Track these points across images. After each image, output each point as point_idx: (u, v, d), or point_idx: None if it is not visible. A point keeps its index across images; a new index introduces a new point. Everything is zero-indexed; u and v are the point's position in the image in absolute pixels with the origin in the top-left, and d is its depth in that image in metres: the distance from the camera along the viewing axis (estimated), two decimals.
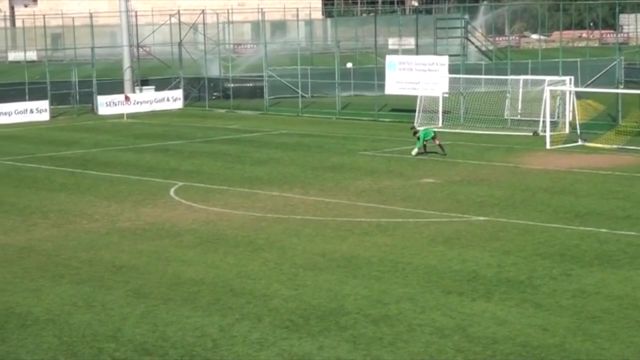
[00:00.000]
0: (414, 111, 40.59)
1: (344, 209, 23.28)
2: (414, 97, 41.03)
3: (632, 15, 78.50)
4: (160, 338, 14.14)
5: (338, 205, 23.76)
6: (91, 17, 52.56)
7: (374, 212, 22.89)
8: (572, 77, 39.91)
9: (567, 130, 35.33)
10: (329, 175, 28.39)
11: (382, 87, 43.31)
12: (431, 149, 31.66)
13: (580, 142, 33.86)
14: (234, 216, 22.67)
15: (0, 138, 39.26)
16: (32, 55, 72.57)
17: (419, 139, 31.63)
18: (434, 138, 31.59)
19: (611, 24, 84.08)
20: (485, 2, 70.07)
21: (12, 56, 78.15)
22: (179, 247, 19.69)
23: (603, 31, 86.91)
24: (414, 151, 31.75)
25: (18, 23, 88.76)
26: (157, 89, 51.14)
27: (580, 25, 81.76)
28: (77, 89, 48.81)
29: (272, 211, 23.16)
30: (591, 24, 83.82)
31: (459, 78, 42.13)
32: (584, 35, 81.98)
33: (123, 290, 16.57)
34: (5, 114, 44.90)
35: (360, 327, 14.44)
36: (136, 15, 54.05)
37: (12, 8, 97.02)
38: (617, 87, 42.01)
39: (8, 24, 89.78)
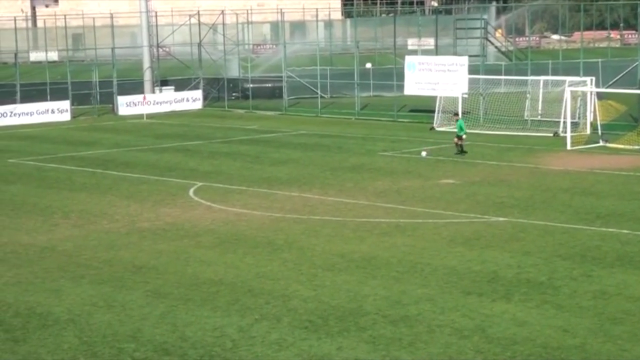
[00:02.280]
0: (433, 112, 40.53)
1: (363, 210, 23.26)
2: (433, 98, 40.95)
3: None
4: (180, 338, 14.18)
5: (357, 206, 23.74)
6: (111, 17, 52.85)
7: (393, 212, 22.85)
8: (593, 78, 39.65)
9: (588, 131, 35.15)
10: (348, 175, 28.38)
11: (401, 87, 43.24)
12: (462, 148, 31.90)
13: (601, 143, 33.66)
14: (253, 216, 22.70)
15: (22, 138, 39.54)
16: (53, 55, 73.07)
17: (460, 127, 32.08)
18: (460, 137, 31.70)
19: (633, 25, 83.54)
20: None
21: (34, 56, 78.67)
22: (198, 248, 19.74)
23: (624, 32, 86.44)
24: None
25: (39, 23, 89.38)
26: (176, 90, 51.33)
27: (602, 26, 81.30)
28: (98, 89, 49.06)
29: (291, 211, 23.17)
30: (621, 24, 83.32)
31: (479, 79, 42.00)
32: (613, 35, 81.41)
33: (143, 291, 16.64)
34: (27, 114, 45.22)
35: (379, 328, 14.43)
36: (156, 16, 54.27)
37: (33, 8, 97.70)
38: (639, 88, 41.68)
39: (29, 24, 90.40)
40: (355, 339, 14.01)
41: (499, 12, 72.00)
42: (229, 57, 53.29)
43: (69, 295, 16.42)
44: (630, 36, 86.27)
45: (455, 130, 32.41)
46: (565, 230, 20.65)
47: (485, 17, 51.26)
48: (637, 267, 17.59)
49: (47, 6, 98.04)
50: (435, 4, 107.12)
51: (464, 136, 31.88)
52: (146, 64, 50.56)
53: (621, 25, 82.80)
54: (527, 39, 63.52)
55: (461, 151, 31.72)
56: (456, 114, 33.66)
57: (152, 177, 28.70)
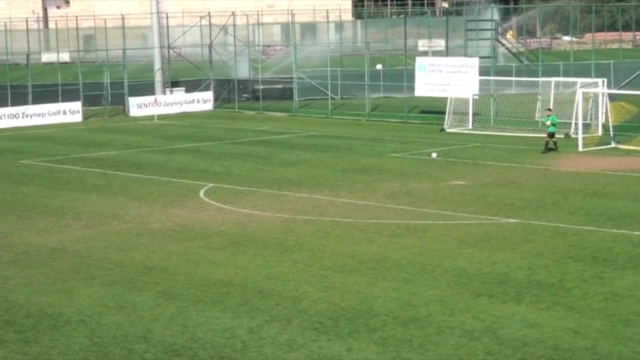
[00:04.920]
0: (444, 113, 40.49)
1: (373, 211, 23.25)
2: (444, 99, 40.91)
3: None
4: (190, 339, 14.21)
5: (367, 207, 23.73)
6: (123, 18, 52.95)
7: (403, 214, 22.83)
8: (605, 79, 39.54)
9: (599, 133, 35.04)
10: (358, 177, 28.37)
11: (411, 88, 43.21)
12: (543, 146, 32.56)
13: (613, 145, 33.56)
14: (263, 217, 22.72)
15: (34, 139, 39.68)
16: (64, 56, 73.31)
17: (552, 124, 32.49)
18: (552, 134, 32.32)
19: None
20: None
21: (45, 57, 78.96)
22: (209, 249, 19.77)
23: (637, 33, 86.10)
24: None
25: (51, 24, 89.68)
26: (187, 91, 51.44)
27: (613, 27, 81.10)
28: (109, 90, 49.20)
29: (302, 213, 23.18)
30: None
31: (490, 80, 41.93)
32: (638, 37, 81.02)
33: (153, 292, 16.67)
34: (39, 115, 45.39)
35: (389, 329, 14.42)
36: (167, 17, 54.38)
37: (44, 9, 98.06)
38: None
39: (41, 25, 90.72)
40: (366, 340, 14.01)
41: (507, 12, 71.81)
42: (239, 58, 53.36)
43: (80, 296, 16.47)
44: None
45: (547, 127, 32.70)
46: (576, 231, 20.59)
47: (496, 18, 51.20)
48: None
49: (58, 7, 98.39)
50: (446, 5, 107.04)
51: (552, 132, 32.48)
52: (157, 65, 50.67)
53: None
54: (538, 40, 63.36)
55: (551, 148, 32.18)
56: (549, 109, 33.90)
57: (163, 178, 28.76)
